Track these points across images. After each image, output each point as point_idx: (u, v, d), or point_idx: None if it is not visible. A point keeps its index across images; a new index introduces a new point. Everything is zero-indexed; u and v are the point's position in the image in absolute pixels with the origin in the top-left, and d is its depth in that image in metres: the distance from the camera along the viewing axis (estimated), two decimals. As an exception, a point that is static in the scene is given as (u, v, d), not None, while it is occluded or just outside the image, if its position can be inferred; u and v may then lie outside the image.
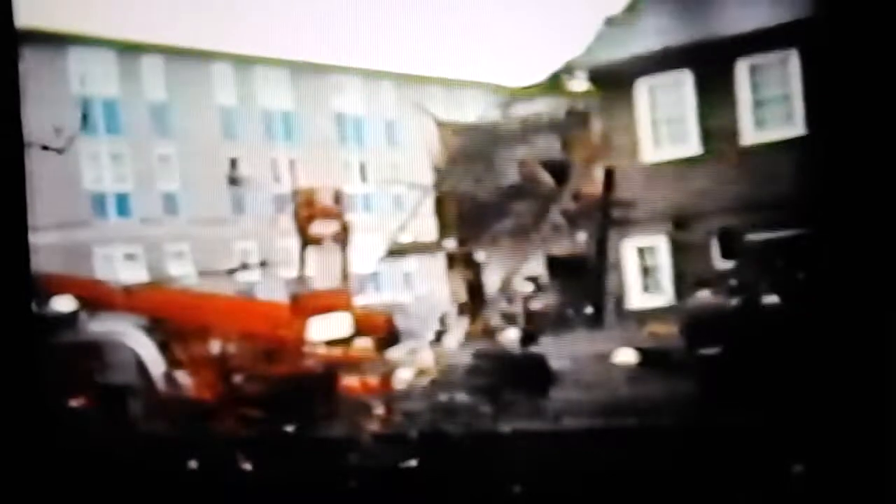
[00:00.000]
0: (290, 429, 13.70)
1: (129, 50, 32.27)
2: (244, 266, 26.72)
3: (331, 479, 11.19)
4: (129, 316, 16.36)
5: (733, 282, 14.86)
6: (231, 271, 22.81)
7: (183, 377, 15.52)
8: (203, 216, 32.88)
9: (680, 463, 9.62)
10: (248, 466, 12.44)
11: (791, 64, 18.95)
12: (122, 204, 31.76)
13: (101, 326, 16.20)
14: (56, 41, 29.82)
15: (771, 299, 14.00)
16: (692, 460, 9.65)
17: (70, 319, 15.63)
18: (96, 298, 16.62)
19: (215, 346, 15.91)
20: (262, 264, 23.82)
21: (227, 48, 34.74)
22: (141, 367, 15.41)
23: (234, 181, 34.79)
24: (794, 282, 15.88)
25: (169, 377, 15.45)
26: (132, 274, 26.97)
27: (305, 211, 17.06)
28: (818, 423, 9.74)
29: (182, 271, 28.28)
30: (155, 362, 15.49)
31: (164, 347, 15.69)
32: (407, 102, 33.42)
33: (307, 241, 17.00)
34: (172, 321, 16.18)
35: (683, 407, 12.51)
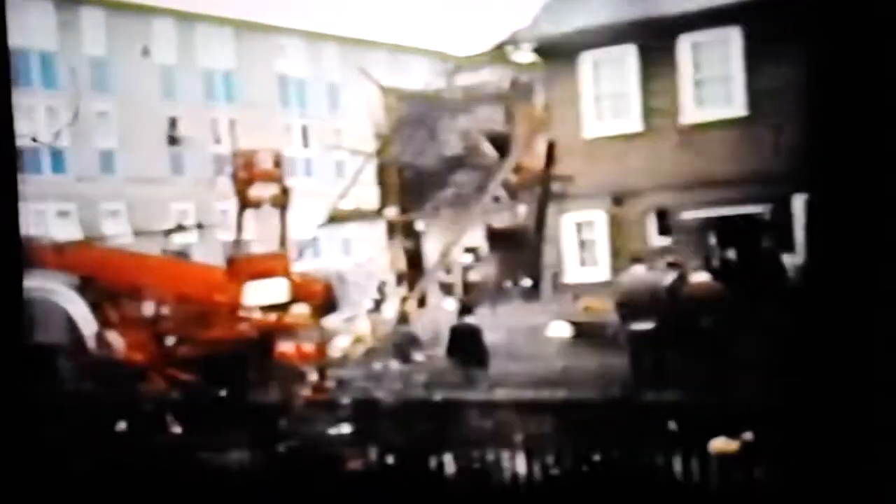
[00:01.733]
0: (221, 393, 13.63)
1: (68, 2, 31.55)
2: (180, 227, 26.38)
3: (261, 443, 11.17)
4: (61, 274, 16.09)
5: (667, 258, 15.03)
6: (167, 232, 22.50)
7: (114, 338, 15.34)
8: (140, 175, 32.40)
9: (608, 436, 9.73)
10: (177, 429, 12.36)
11: (733, 43, 19.10)
12: (57, 160, 31.15)
13: (32, 284, 15.90)
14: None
15: (702, 277, 14.18)
16: (621, 434, 9.77)
17: (-2, 276, 15.27)
18: (27, 255, 16.27)
19: (148, 308, 15.73)
20: (199, 226, 23.55)
21: (169, 4, 34.13)
22: (71, 327, 15.20)
23: (172, 141, 34.29)
24: (725, 260, 16.15)
25: (100, 337, 15.26)
26: (65, 231, 26.51)
27: (245, 173, 16.85)
28: (748, 400, 9.92)
29: (117, 230, 27.87)
30: (86, 322, 15.28)
31: (95, 307, 15.47)
32: (351, 67, 33.17)
33: (245, 204, 16.81)
34: (105, 281, 15.94)
35: (614, 381, 12.66)
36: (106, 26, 32.70)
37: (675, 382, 11.80)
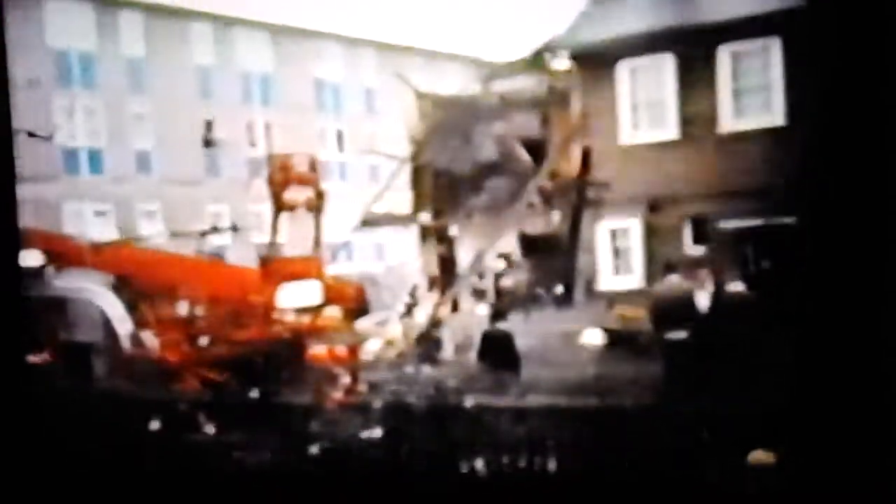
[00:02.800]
0: (254, 394, 13.69)
1: (107, 4, 31.84)
2: (215, 229, 26.52)
3: (292, 445, 11.20)
4: (97, 273, 16.24)
5: (703, 268, 14.95)
6: (202, 233, 22.63)
7: (149, 337, 15.45)
8: (176, 176, 32.61)
9: (640, 444, 9.68)
10: (210, 429, 12.43)
11: (773, 53, 19.00)
12: (95, 160, 31.43)
13: (68, 283, 16.07)
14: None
15: (738, 287, 14.11)
16: (653, 443, 9.72)
17: (37, 274, 15.48)
18: (64, 254, 16.46)
19: (183, 308, 15.83)
20: (234, 228, 23.69)
21: (208, 7, 34.36)
22: (107, 326, 15.32)
23: (208, 143, 34.49)
24: (761, 271, 16.04)
25: (135, 337, 15.38)
26: (102, 231, 26.73)
27: (280, 176, 16.94)
28: (783, 412, 9.83)
29: (152, 231, 28.07)
30: (121, 321, 15.41)
31: (131, 307, 15.59)
32: (387, 72, 33.24)
33: (280, 207, 16.90)
34: (141, 280, 16.07)
35: (647, 389, 12.60)
36: (144, 28, 32.97)
37: (710, 392, 11.71)
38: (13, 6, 27.99)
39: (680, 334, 12.83)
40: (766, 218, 18.74)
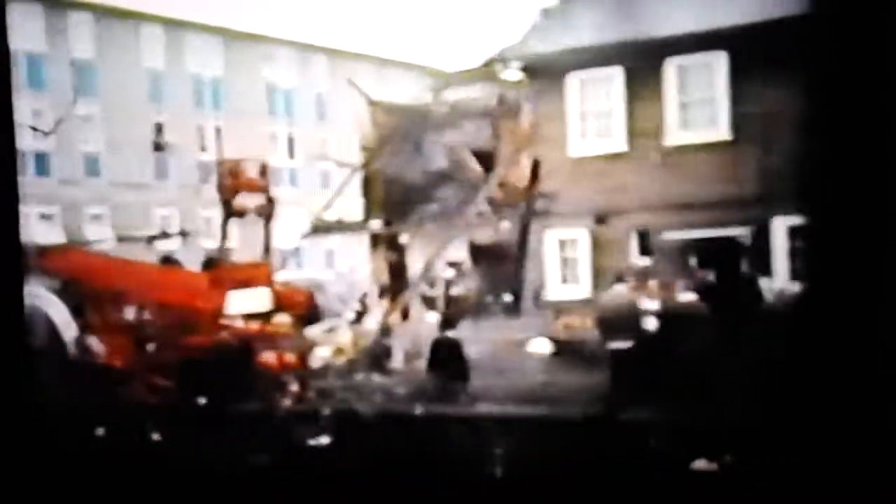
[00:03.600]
0: (201, 401, 13.62)
1: (57, 5, 31.51)
2: (164, 234, 26.30)
3: (240, 452, 11.17)
4: (43, 277, 16.04)
5: (649, 279, 15.17)
6: (151, 238, 22.43)
7: (95, 343, 15.29)
8: (125, 180, 32.33)
9: (587, 452, 9.80)
10: (156, 436, 12.35)
11: (718, 67, 19.32)
12: (41, 162, 31.05)
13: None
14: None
15: (688, 297, 14.33)
16: (599, 451, 9.85)
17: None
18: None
19: (130, 313, 15.70)
20: (183, 233, 23.52)
21: (159, 11, 34.13)
22: (52, 331, 15.14)
23: (158, 146, 34.23)
24: (704, 282, 16.30)
25: (80, 342, 15.21)
26: (48, 234, 26.41)
27: (230, 182, 16.89)
28: (727, 421, 10.02)
29: (100, 235, 27.79)
30: (67, 326, 15.23)
31: (77, 311, 15.43)
32: (339, 78, 33.25)
33: (230, 212, 16.85)
34: (87, 285, 15.91)
35: (593, 398, 12.75)
36: (94, 30, 32.66)
37: (656, 401, 11.89)
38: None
39: (626, 344, 13.01)
40: (711, 230, 19.06)
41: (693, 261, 18.97)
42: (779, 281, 18.39)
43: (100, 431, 12.38)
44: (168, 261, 18.28)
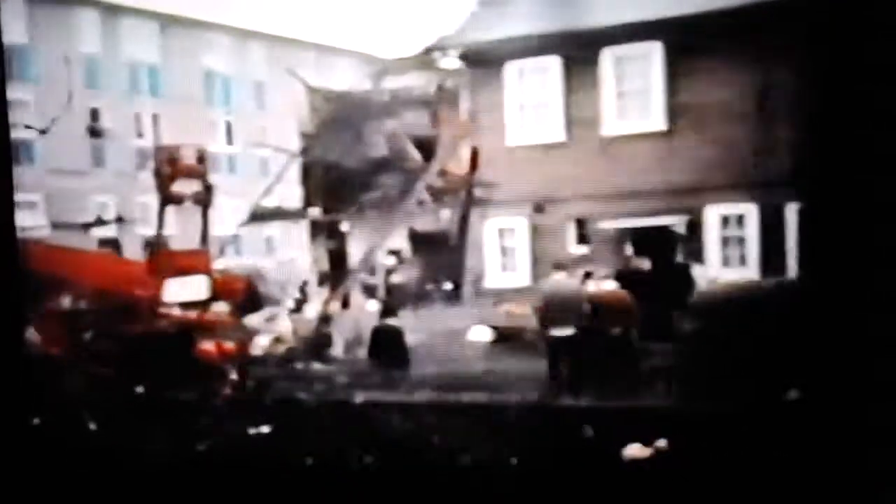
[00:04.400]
0: (139, 389, 13.54)
1: (-13, -12, 30.88)
2: (100, 221, 26.01)
3: (179, 441, 11.14)
4: (-25, 266, 15.77)
5: (584, 267, 15.39)
6: (86, 225, 22.16)
7: (30, 332, 15.11)
8: (60, 167, 31.82)
9: (525, 440, 9.95)
10: (93, 426, 12.26)
11: (654, 58, 19.58)
12: (-27, 149, 30.45)
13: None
14: None
15: (609, 285, 14.56)
16: (538, 438, 10.00)
17: None
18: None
19: (66, 301, 15.53)
20: (119, 220, 23.29)
21: (94, -5, 33.63)
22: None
23: (94, 133, 33.74)
24: (636, 270, 16.58)
25: (15, 331, 15.01)
26: (-20, 222, 25.89)
27: (167, 168, 16.71)
28: (660, 407, 10.25)
29: (34, 222, 27.35)
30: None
31: (11, 300, 15.21)
32: (277, 65, 33.03)
33: (167, 199, 16.69)
34: (22, 273, 15.69)
35: (532, 385, 12.91)
36: (27, 14, 32.06)
37: (591, 389, 12.10)
38: None
39: (566, 331, 13.19)
40: (647, 218, 19.36)
41: (629, 249, 19.26)
42: (711, 269, 18.77)
43: (35, 421, 12.24)
44: (108, 244, 18.11)
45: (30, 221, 27.87)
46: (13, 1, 31.69)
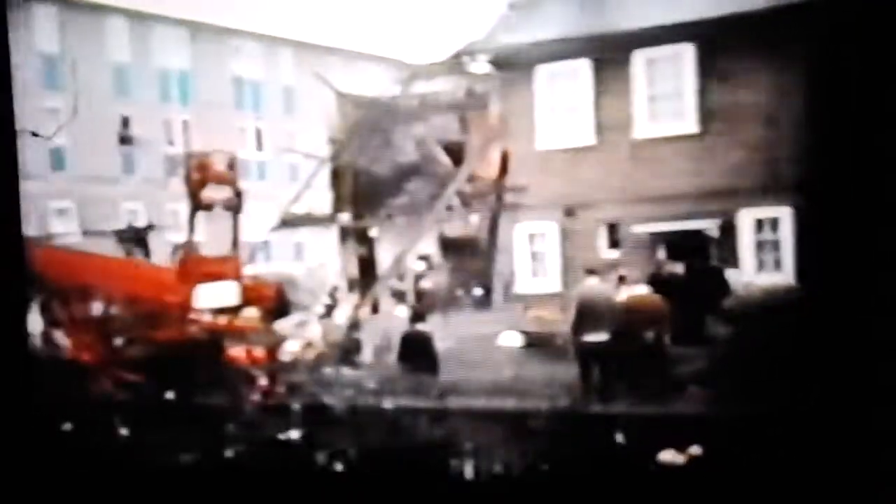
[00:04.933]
0: (170, 395, 13.54)
1: (20, -3, 31.16)
2: (131, 227, 26.05)
3: (209, 447, 11.12)
4: (8, 272, 15.87)
5: (618, 272, 15.23)
6: (117, 232, 22.23)
7: (61, 337, 15.17)
8: (91, 174, 32.02)
9: (556, 447, 9.83)
10: (124, 431, 12.26)
11: (686, 60, 19.40)
12: (6, 157, 30.70)
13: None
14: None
15: (641, 290, 14.40)
16: (570, 445, 9.88)
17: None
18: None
19: (97, 308, 15.58)
20: (150, 227, 23.32)
21: (124, 3, 33.80)
22: (17, 326, 14.99)
23: (124, 140, 33.93)
24: (670, 274, 16.41)
25: (47, 336, 15.09)
26: (13, 229, 26.07)
27: (198, 175, 16.73)
28: (700, 414, 10.09)
29: (66, 229, 27.53)
30: (32, 321, 15.10)
31: (43, 306, 15.29)
32: (306, 71, 33.07)
33: (198, 205, 16.71)
34: (53, 279, 15.77)
35: (563, 391, 12.78)
36: (58, 22, 32.30)
37: (623, 395, 11.95)
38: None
39: (598, 337, 13.05)
40: (679, 222, 19.16)
41: (662, 253, 19.07)
42: (746, 273, 18.55)
43: (67, 427, 12.28)
44: (137, 242, 18.18)
45: (61, 228, 28.07)
46: (45, 10, 31.94)
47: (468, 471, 9.79)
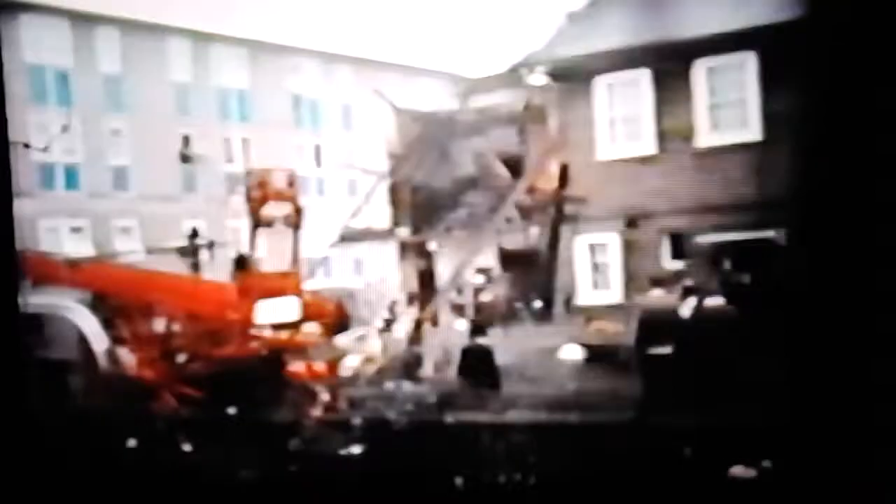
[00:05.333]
0: (232, 411, 13.59)
1: (83, 20, 31.68)
2: (192, 244, 26.27)
3: (271, 463, 11.12)
4: (74, 290, 16.10)
5: (684, 282, 14.99)
6: (179, 249, 22.46)
7: (125, 355, 15.33)
8: (153, 192, 32.44)
9: (620, 460, 9.66)
10: (187, 447, 12.31)
11: (748, 68, 19.10)
12: (71, 176, 31.22)
13: (45, 300, 15.92)
14: (7, 7, 29.21)
15: (718, 301, 14.12)
16: (635, 459, 9.70)
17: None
18: (40, 271, 16.33)
19: (160, 325, 15.72)
20: (211, 244, 23.53)
21: (185, 24, 34.26)
22: (83, 343, 15.18)
23: (185, 158, 34.34)
24: (739, 285, 16.09)
25: (111, 354, 15.25)
26: (78, 248, 26.52)
27: (258, 192, 16.88)
28: (766, 426, 9.82)
29: (129, 247, 27.89)
30: (98, 338, 15.27)
31: (107, 324, 15.46)
32: (364, 87, 33.21)
33: (258, 222, 16.84)
34: (117, 297, 15.95)
35: (627, 404, 12.58)
36: (121, 44, 32.83)
37: (692, 407, 11.70)
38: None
39: (664, 349, 12.83)
40: (744, 232, 18.81)
41: (727, 264, 18.72)
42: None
43: (131, 443, 12.37)
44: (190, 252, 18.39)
45: (125, 246, 28.44)
46: (109, 31, 32.48)
47: (531, 484, 9.65)
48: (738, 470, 8.76)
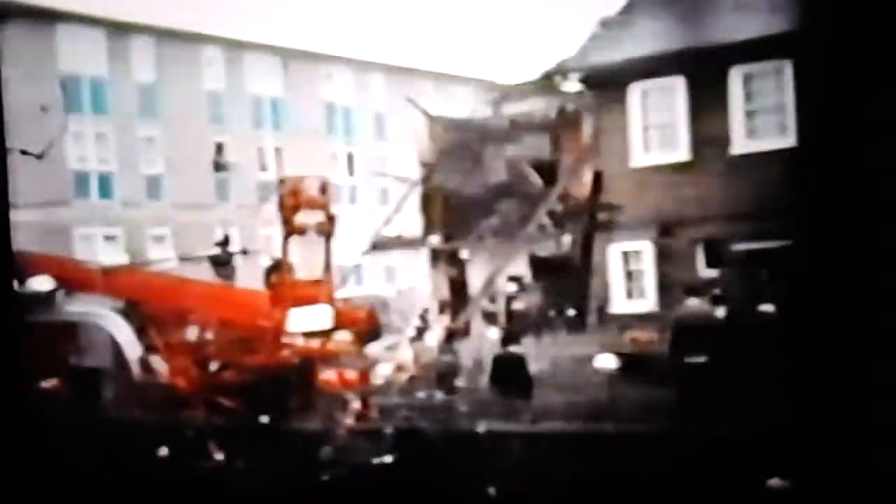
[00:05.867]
0: (264, 420, 13.57)
1: (118, 29, 31.95)
2: (224, 252, 26.36)
3: (303, 471, 11.09)
4: (107, 298, 16.18)
5: (719, 291, 14.81)
6: (212, 258, 22.52)
7: (158, 362, 15.36)
8: (186, 200, 32.62)
9: (655, 470, 9.54)
10: (219, 456, 12.31)
11: (785, 74, 18.91)
12: (105, 185, 31.46)
13: (78, 308, 16.00)
14: (43, 17, 29.52)
15: (766, 308, 13.97)
16: (669, 468, 9.58)
17: (47, 299, 15.44)
18: (74, 279, 16.42)
19: (192, 333, 15.74)
20: (244, 252, 23.59)
21: (218, 32, 34.46)
22: (116, 351, 15.24)
23: (219, 167, 34.52)
24: (778, 293, 15.86)
25: (144, 362, 15.29)
26: (112, 256, 26.69)
27: (291, 200, 16.84)
28: (803, 437, 9.64)
29: (162, 255, 28.04)
30: (131, 346, 15.32)
31: (140, 331, 15.51)
32: (397, 95, 33.24)
33: (291, 230, 16.82)
34: (150, 305, 16.00)
35: (662, 414, 12.44)
36: (155, 53, 33.07)
37: (727, 418, 11.55)
38: (25, 31, 28.12)
39: (699, 358, 12.68)
40: (781, 240, 18.58)
41: (764, 272, 18.50)
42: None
43: (163, 451, 12.38)
44: (221, 263, 18.44)
45: (158, 255, 28.60)
46: (144, 40, 32.73)
47: (563, 496, 9.55)
48: (774, 482, 8.60)
